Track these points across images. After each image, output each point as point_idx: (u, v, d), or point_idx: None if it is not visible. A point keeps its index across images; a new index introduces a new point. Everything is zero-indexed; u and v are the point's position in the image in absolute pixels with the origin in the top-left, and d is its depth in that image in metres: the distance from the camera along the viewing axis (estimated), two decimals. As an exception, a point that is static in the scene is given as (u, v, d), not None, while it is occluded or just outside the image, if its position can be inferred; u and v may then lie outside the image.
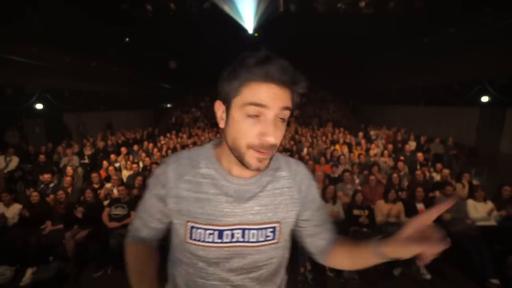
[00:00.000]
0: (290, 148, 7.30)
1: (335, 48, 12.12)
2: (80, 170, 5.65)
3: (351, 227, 3.46)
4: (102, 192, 4.19)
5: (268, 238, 0.76)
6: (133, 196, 3.83)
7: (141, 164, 5.61)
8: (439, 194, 3.92)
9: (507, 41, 6.58)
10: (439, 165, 5.06)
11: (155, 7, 8.23)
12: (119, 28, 9.14)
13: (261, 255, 0.76)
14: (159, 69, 13.77)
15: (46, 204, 3.73)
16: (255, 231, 0.74)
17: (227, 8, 8.93)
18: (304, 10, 8.48)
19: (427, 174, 4.92)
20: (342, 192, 4.23)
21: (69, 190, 4.32)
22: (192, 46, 11.92)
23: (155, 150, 6.84)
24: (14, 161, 5.73)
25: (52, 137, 8.71)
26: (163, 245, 0.88)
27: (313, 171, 5.04)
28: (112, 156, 6.01)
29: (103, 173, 5.07)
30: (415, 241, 0.61)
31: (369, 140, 8.36)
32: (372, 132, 9.83)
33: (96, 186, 4.28)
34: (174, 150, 7.18)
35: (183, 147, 7.69)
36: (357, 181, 4.77)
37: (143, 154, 6.29)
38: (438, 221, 3.47)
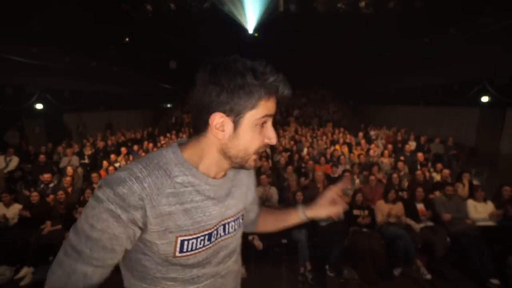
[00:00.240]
0: (290, 148, 7.30)
1: (335, 48, 12.12)
2: (80, 170, 5.65)
3: (351, 227, 3.47)
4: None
5: (239, 224, 0.85)
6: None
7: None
8: (439, 194, 3.92)
9: (507, 41, 6.58)
10: (439, 165, 5.06)
11: (155, 7, 8.24)
12: (119, 28, 9.14)
13: (237, 240, 0.86)
14: (159, 69, 13.77)
15: (46, 204, 3.74)
16: (232, 223, 0.81)
17: (227, 8, 8.93)
18: (304, 10, 8.48)
19: (427, 174, 4.91)
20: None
21: (69, 190, 4.32)
22: (192, 46, 11.93)
23: (155, 150, 6.83)
24: (14, 161, 5.74)
25: (52, 137, 8.70)
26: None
27: (313, 171, 5.05)
28: (112, 156, 6.01)
29: (103, 173, 5.07)
30: (328, 205, 0.92)
31: (369, 140, 8.35)
32: (372, 132, 9.82)
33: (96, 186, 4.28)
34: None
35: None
36: (357, 181, 4.77)
37: (143, 154, 6.28)
38: (438, 221, 3.47)
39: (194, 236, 0.70)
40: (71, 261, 0.62)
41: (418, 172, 4.60)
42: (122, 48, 10.34)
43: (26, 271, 3.17)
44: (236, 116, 0.66)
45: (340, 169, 5.12)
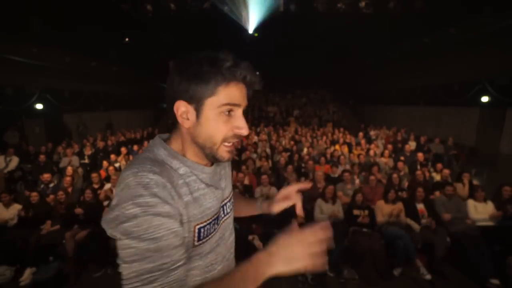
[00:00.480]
0: (290, 148, 7.30)
1: (335, 48, 12.13)
2: (80, 170, 5.65)
3: (351, 227, 3.46)
4: (102, 192, 4.19)
5: (232, 203, 0.92)
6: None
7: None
8: (439, 194, 3.92)
9: (507, 41, 6.58)
10: (439, 165, 5.06)
11: (155, 7, 8.24)
12: (119, 28, 9.14)
13: (232, 219, 0.91)
14: (159, 69, 13.74)
15: (46, 204, 3.74)
16: (228, 203, 0.88)
17: (227, 8, 8.93)
18: (304, 10, 8.48)
19: (427, 174, 4.91)
20: (342, 192, 4.23)
21: (69, 190, 4.32)
22: (192, 46, 11.93)
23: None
24: (14, 161, 5.73)
25: (52, 137, 8.70)
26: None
27: (313, 171, 5.05)
28: (112, 156, 6.01)
29: (103, 173, 5.07)
30: (282, 201, 0.96)
31: (369, 140, 8.36)
32: (372, 132, 9.82)
33: (96, 186, 4.28)
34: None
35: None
36: (357, 181, 4.77)
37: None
38: (438, 221, 3.45)
39: (207, 221, 0.74)
40: (163, 279, 0.57)
41: (418, 172, 4.60)
42: (122, 48, 10.34)
43: (28, 272, 3.17)
44: (197, 103, 0.68)
45: (340, 169, 5.12)
